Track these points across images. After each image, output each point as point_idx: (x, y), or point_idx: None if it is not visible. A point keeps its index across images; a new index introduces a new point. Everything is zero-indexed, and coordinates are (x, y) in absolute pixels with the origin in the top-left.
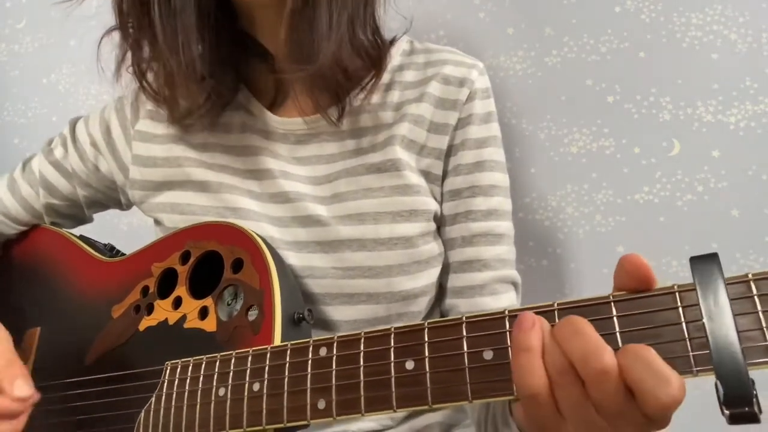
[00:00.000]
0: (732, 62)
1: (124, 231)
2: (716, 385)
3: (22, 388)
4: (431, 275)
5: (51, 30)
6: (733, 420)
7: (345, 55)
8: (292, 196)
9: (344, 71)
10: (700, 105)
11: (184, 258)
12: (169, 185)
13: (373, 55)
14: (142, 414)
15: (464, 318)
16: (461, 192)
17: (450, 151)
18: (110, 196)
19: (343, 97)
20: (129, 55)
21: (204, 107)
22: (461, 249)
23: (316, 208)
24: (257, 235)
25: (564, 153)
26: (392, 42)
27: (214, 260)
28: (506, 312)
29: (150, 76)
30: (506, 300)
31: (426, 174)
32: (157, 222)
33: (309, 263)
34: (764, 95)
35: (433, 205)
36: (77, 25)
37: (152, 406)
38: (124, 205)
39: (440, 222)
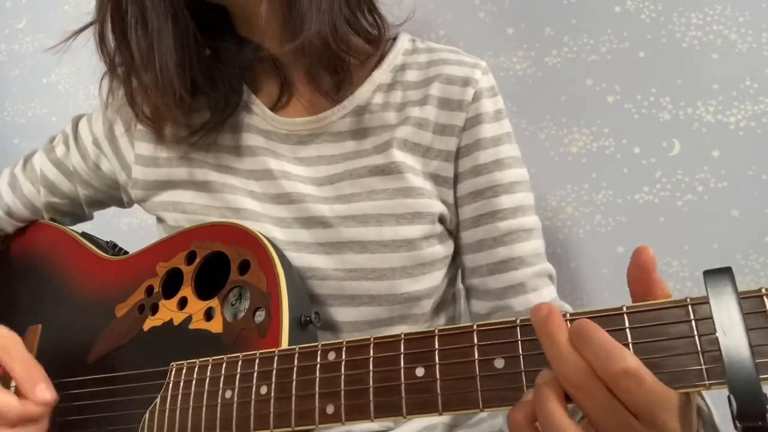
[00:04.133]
0: (732, 62)
1: (124, 231)
2: (729, 398)
3: (45, 393)
4: (435, 278)
5: (51, 30)
6: None
7: (340, 30)
8: (293, 197)
9: (342, 46)
10: (700, 105)
11: (190, 258)
12: (170, 184)
13: (373, 34)
14: (147, 415)
15: (475, 326)
16: (483, 192)
17: (460, 153)
18: (111, 195)
19: (343, 72)
20: (119, 90)
21: (207, 125)
22: (493, 250)
23: (319, 209)
24: (264, 236)
25: (564, 153)
26: (394, 39)
27: (219, 261)
28: (518, 321)
29: (144, 108)
30: (547, 294)
31: (434, 177)
32: (160, 220)
33: (311, 264)
34: (764, 95)
35: (437, 208)
36: (77, 26)
37: (157, 407)
38: (125, 203)
39: (462, 225)
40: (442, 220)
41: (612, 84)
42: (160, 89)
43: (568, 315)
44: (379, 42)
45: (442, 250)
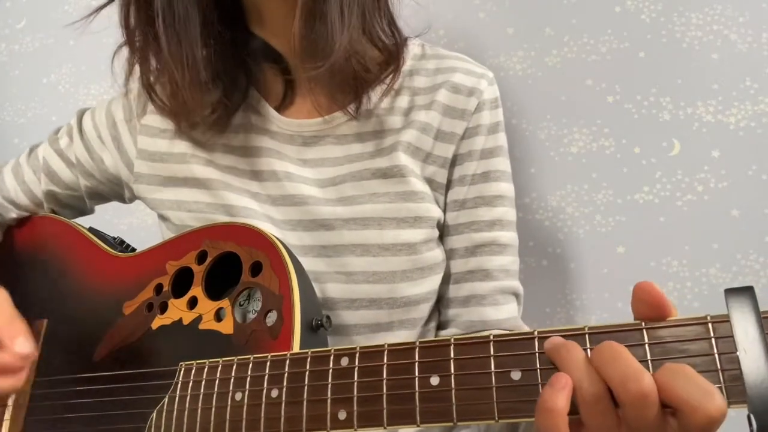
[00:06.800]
0: (732, 62)
1: (124, 231)
2: (749, 418)
3: (24, 345)
4: (434, 282)
5: (51, 30)
6: None
7: (360, 47)
8: (297, 199)
9: (362, 63)
10: (700, 105)
11: (201, 258)
12: (174, 181)
13: (390, 46)
14: (154, 414)
15: (492, 337)
16: (466, 202)
17: (455, 161)
18: (113, 189)
19: (361, 90)
20: (136, 68)
21: (213, 116)
22: (465, 259)
23: (321, 212)
24: (277, 238)
25: (564, 153)
26: (405, 41)
27: (230, 261)
28: (536, 333)
29: (158, 89)
30: (507, 311)
31: (430, 181)
32: (163, 218)
33: (313, 267)
34: (764, 95)
35: (436, 213)
36: (77, 25)
37: (165, 407)
38: (127, 199)
39: (444, 231)
40: (438, 224)
41: (612, 84)
42: (187, 80)
43: (587, 328)
44: (395, 56)
45: (440, 254)
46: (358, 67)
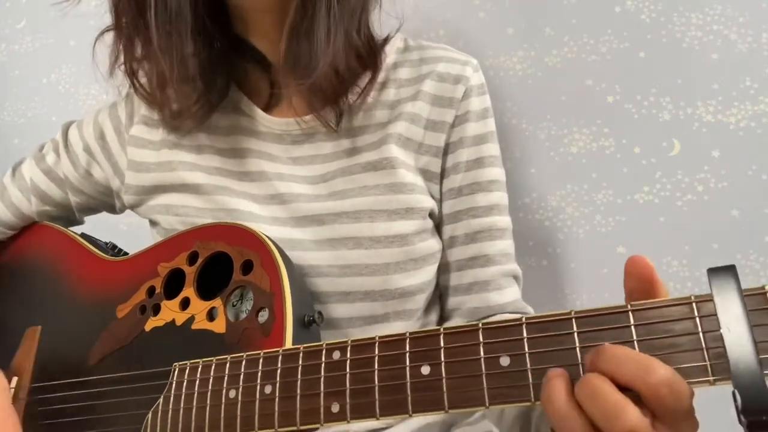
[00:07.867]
0: (732, 62)
1: (124, 231)
2: (734, 394)
3: None
4: (428, 272)
5: (51, 30)
6: (752, 428)
7: (341, 63)
8: (287, 197)
9: (341, 78)
10: (700, 105)
11: (192, 258)
12: (162, 188)
13: (366, 56)
14: (150, 415)
15: (480, 324)
16: (462, 189)
17: (447, 149)
18: (103, 201)
19: (339, 102)
20: (122, 54)
21: (193, 108)
22: (465, 246)
23: (312, 208)
24: (267, 236)
25: (564, 153)
26: (386, 40)
27: (221, 261)
28: (523, 319)
29: (142, 77)
30: (510, 294)
31: (424, 172)
32: (153, 223)
33: (306, 262)
34: (764, 95)
35: (428, 203)
36: (77, 25)
37: (160, 408)
38: (117, 209)
39: (441, 220)
40: (431, 215)
41: (612, 84)
42: (174, 72)
43: (573, 313)
44: (372, 65)
45: (435, 244)
46: (336, 82)
